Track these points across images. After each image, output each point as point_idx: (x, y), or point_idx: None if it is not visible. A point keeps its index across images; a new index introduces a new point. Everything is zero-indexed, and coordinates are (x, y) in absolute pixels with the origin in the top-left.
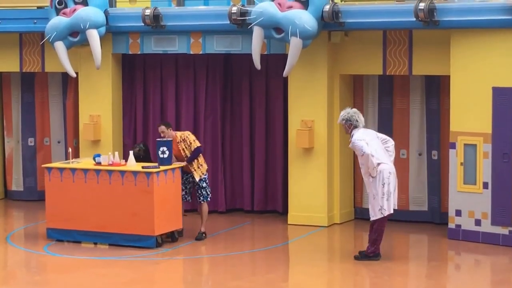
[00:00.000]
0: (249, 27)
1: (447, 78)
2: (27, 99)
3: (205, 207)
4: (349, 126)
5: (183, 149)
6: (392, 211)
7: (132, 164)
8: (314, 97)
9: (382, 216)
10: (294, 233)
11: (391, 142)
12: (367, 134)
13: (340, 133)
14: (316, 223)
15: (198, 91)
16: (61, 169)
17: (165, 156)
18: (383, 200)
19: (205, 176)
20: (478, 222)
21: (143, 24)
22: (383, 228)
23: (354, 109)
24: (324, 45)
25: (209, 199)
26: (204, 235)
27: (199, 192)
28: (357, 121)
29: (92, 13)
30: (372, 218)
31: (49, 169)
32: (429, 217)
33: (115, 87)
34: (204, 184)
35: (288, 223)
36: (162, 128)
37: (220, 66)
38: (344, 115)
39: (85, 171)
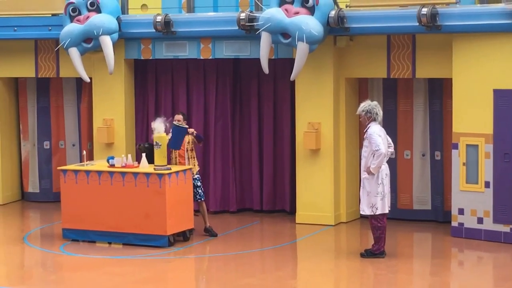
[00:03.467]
0: (257, 32)
1: (449, 81)
2: (42, 103)
3: (204, 205)
4: (368, 118)
5: (188, 142)
6: (386, 211)
7: (145, 166)
8: (321, 100)
9: (373, 214)
10: (302, 231)
11: (392, 149)
12: (382, 131)
13: (346, 134)
14: (323, 222)
15: (208, 95)
16: (76, 171)
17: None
18: (376, 199)
19: (198, 176)
20: (480, 220)
21: (154, 30)
22: (383, 226)
23: (375, 102)
24: (330, 49)
25: (203, 198)
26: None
27: (195, 191)
28: (376, 114)
29: (105, 20)
30: (362, 213)
31: (64, 171)
32: (432, 215)
33: (127, 91)
34: (199, 183)
35: (296, 222)
36: (180, 117)
37: (229, 70)
38: (365, 106)
39: (99, 173)
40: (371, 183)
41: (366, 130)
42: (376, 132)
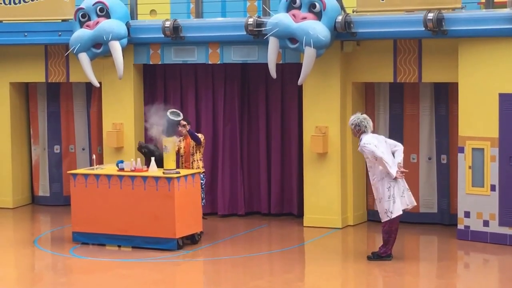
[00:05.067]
0: (265, 37)
1: (455, 85)
2: (52, 108)
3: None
4: (358, 131)
5: (192, 146)
6: (401, 212)
7: (154, 170)
8: (328, 104)
9: (389, 218)
10: (310, 235)
11: (400, 147)
12: (375, 138)
13: (352, 138)
14: (330, 225)
15: (216, 99)
16: (85, 175)
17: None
18: (389, 203)
19: (202, 181)
20: (486, 223)
21: (163, 36)
22: (394, 229)
23: (364, 115)
24: (337, 54)
25: (203, 202)
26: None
27: None
28: (365, 127)
29: (114, 25)
30: (382, 220)
31: (74, 175)
32: (438, 218)
33: (137, 96)
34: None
35: (304, 225)
36: (185, 122)
37: (237, 75)
38: (354, 120)
39: (109, 176)
40: (380, 189)
41: (359, 143)
42: (367, 142)
